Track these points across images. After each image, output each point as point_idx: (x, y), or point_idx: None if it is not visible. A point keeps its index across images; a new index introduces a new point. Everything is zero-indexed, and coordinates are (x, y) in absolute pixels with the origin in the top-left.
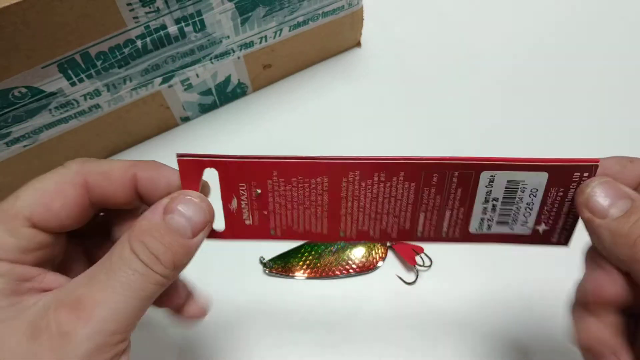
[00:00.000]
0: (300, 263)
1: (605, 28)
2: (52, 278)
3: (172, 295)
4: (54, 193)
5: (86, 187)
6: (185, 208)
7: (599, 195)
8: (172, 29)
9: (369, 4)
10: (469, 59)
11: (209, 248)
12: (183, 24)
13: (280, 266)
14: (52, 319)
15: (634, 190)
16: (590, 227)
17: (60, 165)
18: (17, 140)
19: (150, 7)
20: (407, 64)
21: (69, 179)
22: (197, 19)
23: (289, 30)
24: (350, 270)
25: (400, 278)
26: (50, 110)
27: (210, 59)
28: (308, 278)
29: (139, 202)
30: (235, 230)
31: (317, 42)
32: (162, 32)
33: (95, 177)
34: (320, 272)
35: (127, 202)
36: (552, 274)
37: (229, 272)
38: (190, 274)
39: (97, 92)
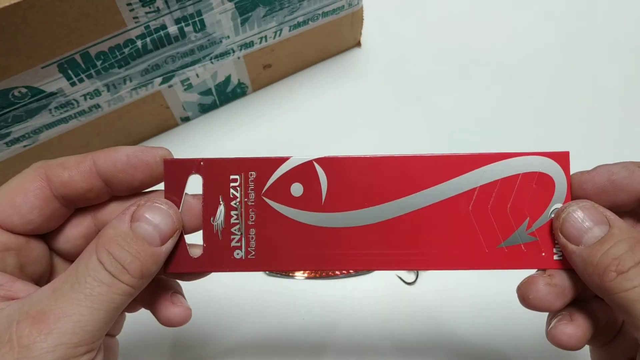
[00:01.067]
0: None
1: (607, 28)
2: (21, 287)
3: (155, 298)
4: (15, 189)
5: (46, 180)
6: (152, 215)
7: (574, 220)
8: (172, 29)
9: (369, 4)
10: (469, 59)
11: None
12: (183, 24)
13: None
14: (14, 332)
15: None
16: (565, 253)
17: None
18: (17, 140)
19: (150, 7)
20: (407, 64)
21: (29, 175)
22: (197, 19)
23: (289, 30)
24: (351, 270)
25: (400, 278)
26: (50, 110)
27: (210, 59)
28: (308, 278)
29: (106, 191)
30: (218, 259)
31: (317, 42)
32: (162, 32)
33: (52, 168)
34: (320, 272)
35: (89, 189)
36: None
37: (228, 272)
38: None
39: (97, 92)
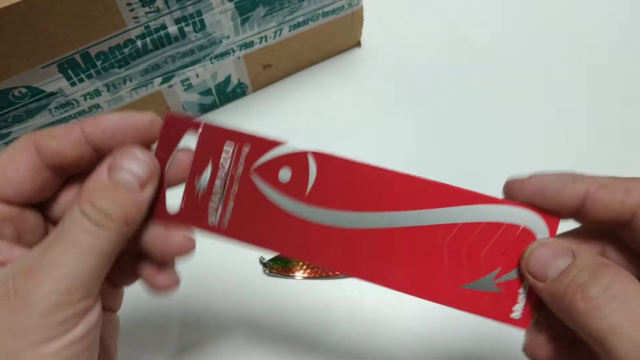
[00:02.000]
0: (300, 263)
1: (608, 26)
2: (18, 252)
3: (144, 265)
4: (6, 162)
5: (35, 150)
6: (128, 163)
7: (537, 257)
8: (172, 29)
9: (369, 4)
10: (469, 59)
11: (208, 248)
12: (183, 24)
13: (280, 266)
14: (10, 287)
15: (576, 211)
16: (536, 293)
17: None
18: None
19: (150, 7)
20: (407, 64)
21: (18, 146)
22: (197, 19)
23: (289, 30)
24: (333, 272)
25: None
26: (50, 110)
27: (210, 59)
28: (308, 278)
29: (96, 157)
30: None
31: (317, 42)
32: (162, 32)
33: (41, 138)
34: (320, 272)
35: (80, 156)
36: None
37: (229, 272)
38: (190, 274)
39: (97, 92)
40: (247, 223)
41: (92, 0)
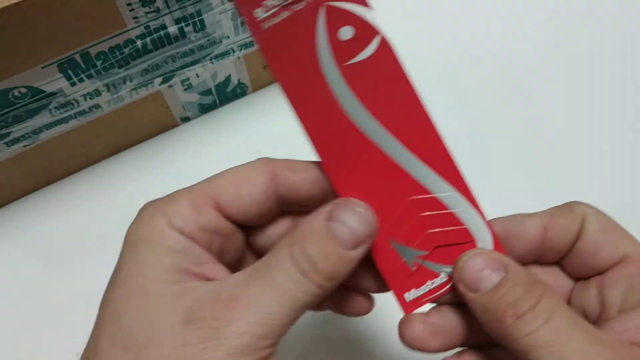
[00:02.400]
0: None
1: (610, 28)
2: (219, 271)
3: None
4: (243, 179)
5: (273, 177)
6: (348, 217)
7: (470, 268)
8: (172, 29)
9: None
10: (468, 60)
11: None
12: (183, 24)
13: None
14: (207, 311)
15: (538, 248)
16: (465, 301)
17: (61, 164)
18: (17, 140)
19: (150, 7)
20: (407, 64)
21: (258, 167)
22: (197, 19)
23: None
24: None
25: None
26: (50, 110)
27: (210, 59)
28: None
29: (324, 200)
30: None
31: None
32: (162, 32)
33: (281, 169)
34: None
35: (311, 197)
36: None
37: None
38: None
39: (97, 92)
40: (282, 43)
41: (92, 0)
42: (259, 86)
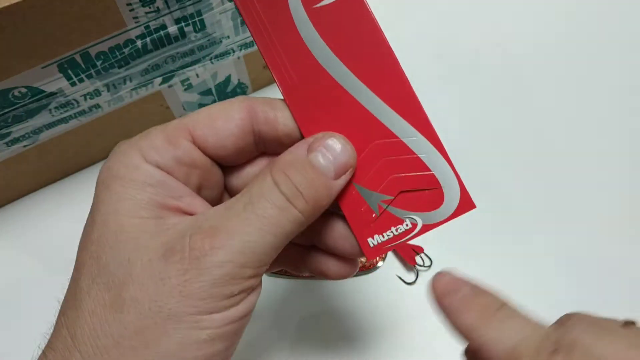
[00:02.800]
0: None
1: (609, 26)
2: (199, 203)
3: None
4: (218, 113)
5: (251, 113)
6: (329, 148)
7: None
8: (172, 29)
9: (369, 4)
10: (469, 60)
11: None
12: (183, 24)
13: None
14: (187, 243)
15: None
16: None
17: (61, 164)
18: (17, 140)
19: (150, 7)
20: (406, 64)
21: (236, 102)
22: (197, 19)
23: None
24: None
25: (400, 278)
26: (50, 110)
27: (210, 59)
28: (308, 278)
29: (299, 140)
30: None
31: None
32: (162, 32)
33: (260, 104)
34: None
35: (288, 134)
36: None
37: None
38: None
39: (97, 92)
40: None
41: (92, 0)
42: (259, 86)
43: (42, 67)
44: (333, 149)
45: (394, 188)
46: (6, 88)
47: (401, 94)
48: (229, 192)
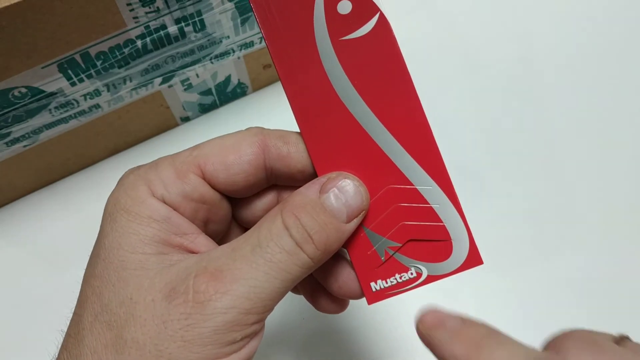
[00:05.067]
0: None
1: (609, 28)
2: (203, 242)
3: (311, 287)
4: (230, 147)
5: (263, 148)
6: (342, 190)
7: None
8: (172, 29)
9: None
10: (469, 61)
11: None
12: (183, 24)
13: None
14: (190, 285)
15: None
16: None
17: (61, 164)
18: (17, 140)
19: (150, 7)
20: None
21: (248, 136)
22: (197, 19)
23: None
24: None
25: None
26: (50, 110)
27: (210, 59)
28: None
29: (313, 176)
30: None
31: None
32: (162, 32)
33: (273, 139)
34: None
35: (302, 170)
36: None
37: None
38: None
39: (97, 92)
40: (277, 7)
41: (92, 0)
42: (259, 86)
43: (42, 67)
44: (346, 191)
45: (403, 235)
46: (6, 88)
47: (421, 140)
48: (236, 220)
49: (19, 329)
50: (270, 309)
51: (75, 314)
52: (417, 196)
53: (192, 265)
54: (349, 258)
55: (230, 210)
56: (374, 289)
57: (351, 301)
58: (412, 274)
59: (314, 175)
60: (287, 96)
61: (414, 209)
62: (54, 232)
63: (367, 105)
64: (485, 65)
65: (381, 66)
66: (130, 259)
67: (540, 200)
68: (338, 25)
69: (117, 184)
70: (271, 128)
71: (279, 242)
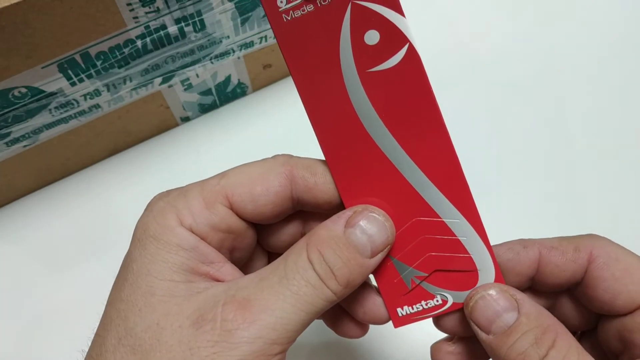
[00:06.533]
0: None
1: (608, 28)
2: (229, 270)
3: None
4: (258, 178)
5: (290, 179)
6: (368, 225)
7: (482, 308)
8: (172, 29)
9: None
10: (469, 61)
11: None
12: (183, 24)
13: None
14: (218, 313)
15: (532, 277)
16: (477, 337)
17: (61, 164)
18: (17, 140)
19: (150, 7)
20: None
21: (275, 167)
22: (197, 19)
23: None
24: None
25: None
26: (50, 110)
27: (210, 59)
28: None
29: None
30: None
31: None
32: (162, 32)
33: (300, 170)
34: None
35: (329, 201)
36: None
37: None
38: None
39: (97, 92)
40: (303, 39)
41: (92, 0)
42: (259, 86)
43: (42, 67)
44: (372, 227)
45: (430, 266)
46: (6, 88)
47: (449, 173)
48: (261, 245)
49: (19, 329)
50: (293, 340)
51: (97, 335)
52: (444, 229)
53: (220, 293)
54: (375, 284)
55: (256, 238)
56: (400, 314)
57: None
58: (437, 301)
59: (340, 206)
60: (314, 128)
61: (441, 240)
62: (54, 232)
63: (394, 139)
64: (484, 65)
65: (410, 99)
66: (159, 285)
67: (546, 201)
68: (365, 56)
69: (145, 209)
70: (272, 132)
71: (305, 275)
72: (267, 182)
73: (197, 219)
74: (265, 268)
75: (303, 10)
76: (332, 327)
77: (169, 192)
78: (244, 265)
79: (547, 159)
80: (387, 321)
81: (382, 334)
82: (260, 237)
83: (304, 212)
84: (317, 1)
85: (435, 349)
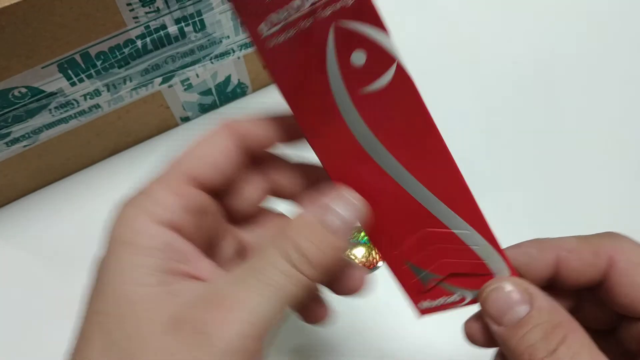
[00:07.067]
0: None
1: (606, 28)
2: (206, 266)
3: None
4: (210, 147)
5: (237, 135)
6: (340, 208)
7: (495, 299)
8: (172, 29)
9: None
10: (469, 61)
11: None
12: (183, 24)
13: None
14: (195, 316)
15: (550, 279)
16: (489, 328)
17: (61, 164)
18: (17, 140)
19: (150, 7)
20: (406, 64)
21: (219, 131)
22: (197, 19)
23: None
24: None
25: None
26: (50, 110)
27: (210, 59)
28: None
29: (288, 140)
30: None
31: None
32: (162, 32)
33: (242, 123)
34: None
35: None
36: None
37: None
38: None
39: (97, 92)
40: (290, 64)
41: (92, 0)
42: (259, 86)
43: (42, 67)
44: (345, 209)
45: (444, 269)
46: (6, 88)
47: (453, 188)
48: (233, 217)
49: (18, 329)
50: (272, 332)
51: (77, 349)
52: (455, 239)
53: (197, 295)
54: (397, 282)
55: (234, 232)
56: (422, 307)
57: (349, 301)
58: (457, 296)
59: (288, 141)
60: (315, 151)
61: (453, 249)
62: (54, 232)
63: (394, 159)
64: (486, 64)
65: (404, 118)
66: (136, 292)
67: (543, 201)
68: (354, 77)
69: (113, 217)
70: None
71: (276, 264)
72: (219, 146)
73: (170, 208)
74: (241, 266)
75: (285, 36)
76: (299, 315)
77: (131, 196)
78: (217, 252)
79: (546, 156)
80: (361, 291)
81: (382, 334)
82: (242, 238)
83: (262, 168)
84: (297, 26)
85: (468, 326)
